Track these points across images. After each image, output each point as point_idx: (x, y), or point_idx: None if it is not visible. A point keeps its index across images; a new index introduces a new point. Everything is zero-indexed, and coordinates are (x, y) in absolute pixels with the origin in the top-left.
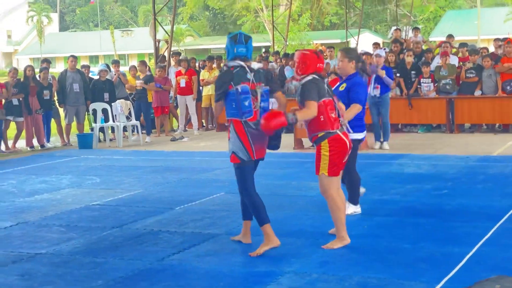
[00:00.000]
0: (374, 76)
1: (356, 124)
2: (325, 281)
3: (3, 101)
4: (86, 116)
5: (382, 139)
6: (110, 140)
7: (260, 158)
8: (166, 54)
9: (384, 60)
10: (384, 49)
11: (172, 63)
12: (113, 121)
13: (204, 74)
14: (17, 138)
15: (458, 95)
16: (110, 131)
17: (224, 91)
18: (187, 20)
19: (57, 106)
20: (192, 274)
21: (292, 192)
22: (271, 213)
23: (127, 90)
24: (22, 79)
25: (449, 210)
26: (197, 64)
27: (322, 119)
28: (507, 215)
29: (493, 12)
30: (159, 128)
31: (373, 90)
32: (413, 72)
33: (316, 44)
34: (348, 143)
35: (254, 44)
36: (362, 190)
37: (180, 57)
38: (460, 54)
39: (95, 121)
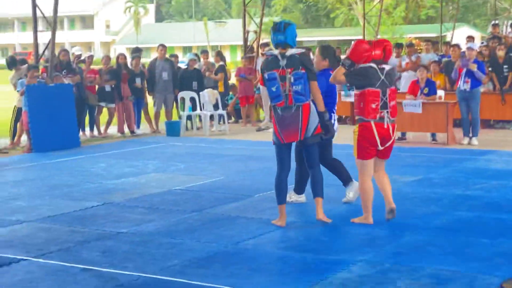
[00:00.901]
0: (464, 69)
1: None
2: (397, 271)
3: (96, 87)
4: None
5: (471, 135)
6: (197, 128)
7: (293, 141)
8: (254, 45)
9: (477, 54)
10: (482, 43)
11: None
12: (201, 110)
13: None
14: (108, 124)
15: None
16: (197, 120)
17: (263, 78)
18: (280, 12)
19: (147, 94)
20: (265, 259)
21: (372, 184)
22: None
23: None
24: (114, 67)
25: None
26: None
27: (361, 105)
28: None
29: None
30: (245, 117)
31: (463, 84)
32: (505, 66)
33: (410, 38)
34: (376, 134)
35: (347, 37)
36: (302, 198)
37: (266, 49)
38: None
39: (183, 109)
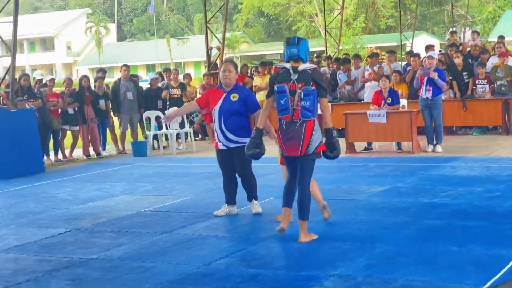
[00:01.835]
0: (426, 78)
1: (248, 129)
2: (369, 283)
3: (59, 110)
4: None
5: (435, 142)
6: (164, 147)
7: (294, 155)
8: (218, 61)
9: (437, 62)
10: (440, 51)
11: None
12: (167, 129)
13: (256, 80)
14: (73, 147)
15: None
16: (164, 139)
17: (271, 90)
18: (242, 27)
19: (111, 115)
20: (237, 278)
21: (341, 196)
22: (320, 217)
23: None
24: (77, 89)
25: (500, 213)
26: (249, 71)
27: None
28: None
29: None
30: (211, 134)
31: (425, 93)
32: (465, 73)
33: (370, 48)
34: None
35: (310, 49)
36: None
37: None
38: None
39: (149, 129)
